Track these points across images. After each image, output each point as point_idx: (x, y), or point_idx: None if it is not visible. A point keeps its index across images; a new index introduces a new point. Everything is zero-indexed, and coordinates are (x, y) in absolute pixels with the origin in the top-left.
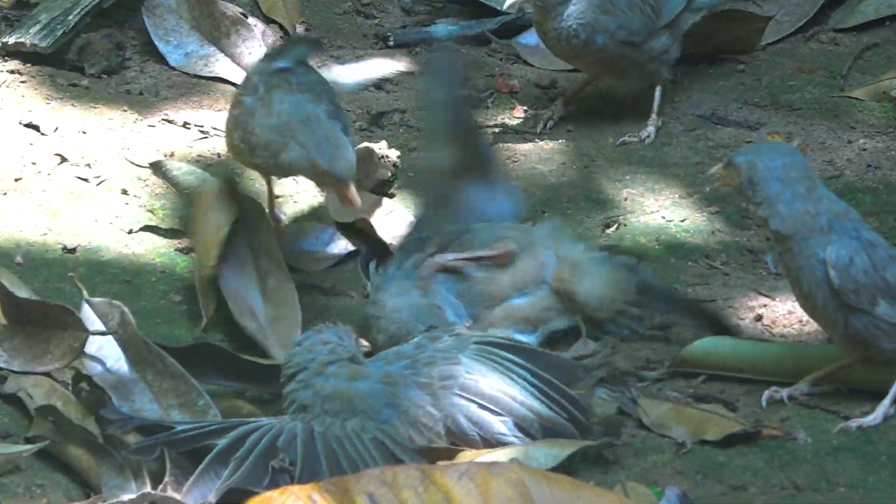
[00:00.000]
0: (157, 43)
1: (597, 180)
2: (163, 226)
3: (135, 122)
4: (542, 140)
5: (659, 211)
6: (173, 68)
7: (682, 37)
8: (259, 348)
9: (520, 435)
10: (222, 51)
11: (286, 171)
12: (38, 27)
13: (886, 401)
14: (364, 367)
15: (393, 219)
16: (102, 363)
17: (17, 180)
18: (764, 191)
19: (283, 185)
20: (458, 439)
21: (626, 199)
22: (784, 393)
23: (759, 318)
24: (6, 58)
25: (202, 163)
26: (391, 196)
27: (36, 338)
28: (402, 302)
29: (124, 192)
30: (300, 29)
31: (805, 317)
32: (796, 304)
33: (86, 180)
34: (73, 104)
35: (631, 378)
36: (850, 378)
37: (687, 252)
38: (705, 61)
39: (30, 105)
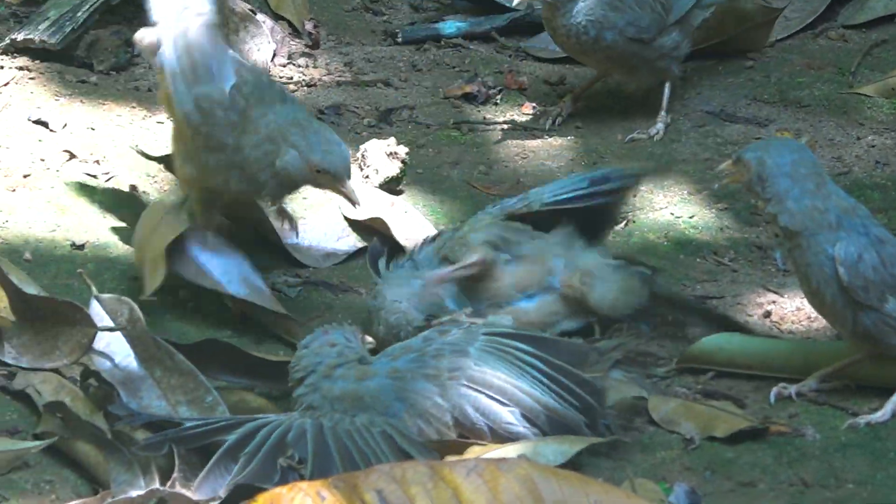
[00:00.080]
0: None
1: None
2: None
3: (143, 118)
4: (550, 136)
5: (667, 207)
6: None
7: (691, 33)
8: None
9: (527, 425)
10: (231, 47)
11: (279, 187)
12: (46, 24)
13: (895, 397)
14: (371, 366)
15: (407, 219)
16: (111, 359)
17: (25, 177)
18: (773, 187)
19: None
20: (467, 430)
21: (634, 196)
22: (792, 389)
23: (767, 314)
24: (15, 54)
25: None
26: (400, 193)
27: (44, 334)
28: (402, 292)
29: (133, 188)
30: (308, 26)
31: (813, 313)
32: (805, 301)
33: (94, 177)
34: (81, 101)
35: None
36: (859, 374)
37: (695, 248)
38: (714, 58)
39: (38, 102)
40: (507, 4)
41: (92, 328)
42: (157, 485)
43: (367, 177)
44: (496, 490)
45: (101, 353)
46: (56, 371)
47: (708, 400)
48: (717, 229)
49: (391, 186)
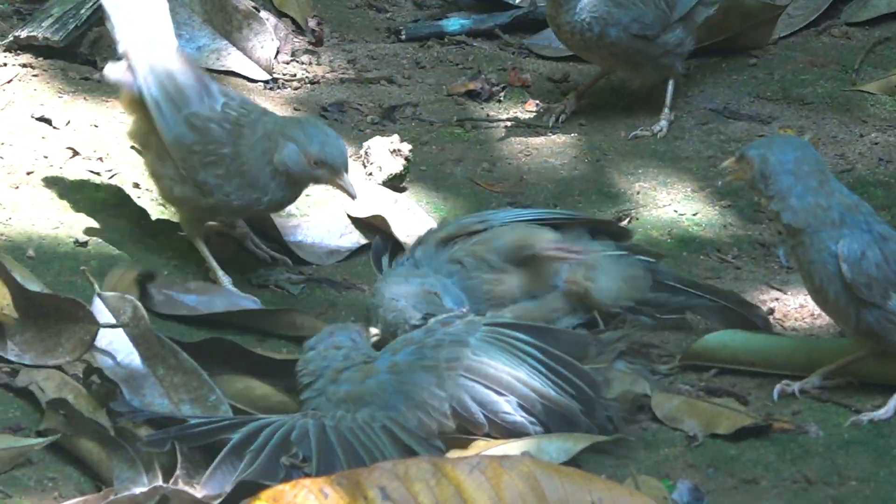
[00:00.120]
0: None
1: (609, 174)
2: (174, 219)
3: None
4: (554, 134)
5: (671, 205)
6: None
7: (695, 30)
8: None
9: (524, 415)
10: (234, 44)
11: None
12: (50, 21)
13: None
14: (374, 364)
15: (410, 216)
16: (113, 357)
17: (29, 174)
18: (776, 184)
19: None
20: (465, 421)
21: (638, 193)
22: (796, 386)
23: (770, 311)
24: (18, 51)
25: None
26: (403, 190)
27: (47, 331)
28: (400, 290)
29: (136, 185)
30: (312, 23)
31: (817, 310)
32: (808, 298)
33: (98, 174)
34: (85, 98)
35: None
36: (862, 372)
37: (699, 246)
38: (718, 55)
39: (42, 99)
40: (511, 2)
41: (94, 325)
42: (160, 482)
43: (370, 174)
44: (499, 487)
45: (104, 351)
46: (59, 368)
47: (711, 397)
48: (721, 226)
49: (394, 184)
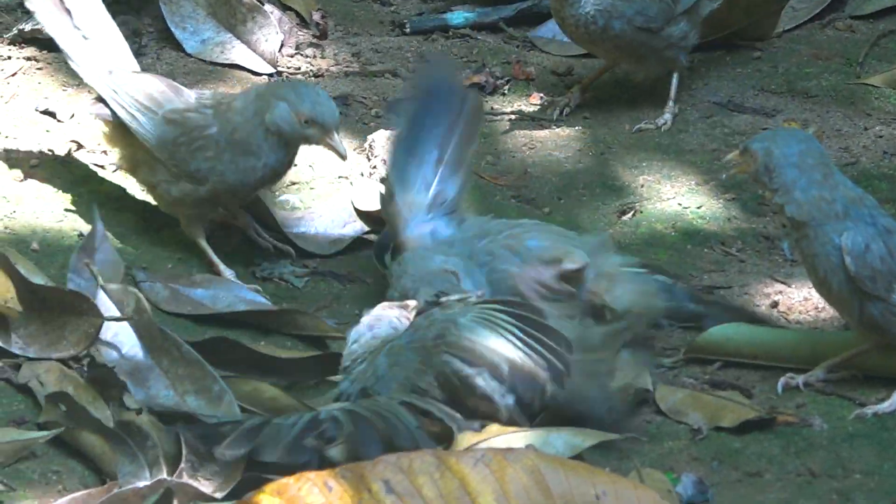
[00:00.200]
0: (173, 30)
1: (613, 167)
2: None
3: None
4: (558, 127)
5: (675, 198)
6: (189, 55)
7: (699, 23)
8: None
9: (494, 384)
10: (238, 38)
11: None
12: None
13: None
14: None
15: None
16: (118, 350)
17: (33, 167)
18: (780, 177)
19: (300, 173)
20: (452, 395)
21: (642, 186)
22: (800, 379)
23: (774, 304)
24: (23, 45)
25: None
26: None
27: (51, 324)
28: (419, 267)
29: None
30: (316, 16)
31: (821, 303)
32: (812, 291)
33: (102, 167)
34: (89, 91)
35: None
36: (866, 365)
37: (703, 239)
38: (722, 48)
39: (46, 92)
40: None
41: (98, 318)
42: (164, 475)
43: (374, 167)
44: (503, 480)
45: (108, 344)
46: (61, 361)
47: (715, 390)
48: (725, 219)
49: None
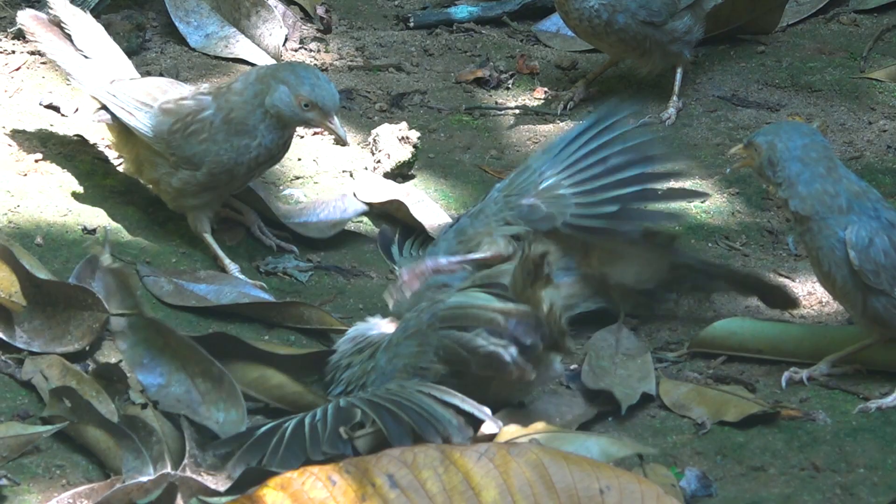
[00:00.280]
0: (177, 24)
1: None
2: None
3: None
4: (562, 121)
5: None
6: (193, 49)
7: (703, 18)
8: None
9: (496, 340)
10: (242, 32)
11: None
12: None
13: None
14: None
15: (420, 208)
16: (122, 343)
17: (37, 161)
18: (784, 171)
19: (304, 167)
20: (454, 363)
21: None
22: (804, 374)
23: None
24: (26, 40)
25: None
26: (411, 177)
27: (56, 318)
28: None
29: None
30: (320, 10)
31: (825, 298)
32: (816, 286)
33: (106, 161)
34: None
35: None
36: (870, 359)
37: (707, 233)
38: (726, 43)
39: (50, 86)
40: None
41: (103, 313)
42: (168, 470)
43: (378, 161)
44: (507, 474)
45: (114, 337)
46: (63, 356)
47: (719, 384)
48: (729, 214)
49: (402, 171)
